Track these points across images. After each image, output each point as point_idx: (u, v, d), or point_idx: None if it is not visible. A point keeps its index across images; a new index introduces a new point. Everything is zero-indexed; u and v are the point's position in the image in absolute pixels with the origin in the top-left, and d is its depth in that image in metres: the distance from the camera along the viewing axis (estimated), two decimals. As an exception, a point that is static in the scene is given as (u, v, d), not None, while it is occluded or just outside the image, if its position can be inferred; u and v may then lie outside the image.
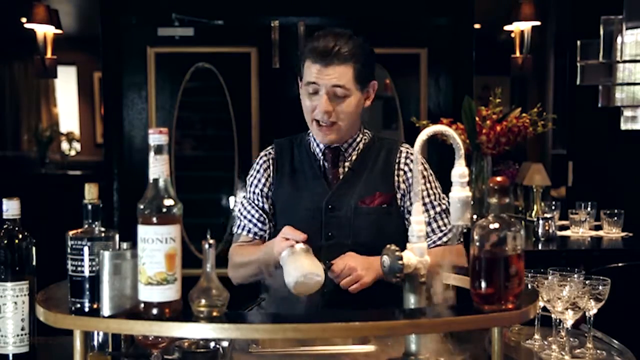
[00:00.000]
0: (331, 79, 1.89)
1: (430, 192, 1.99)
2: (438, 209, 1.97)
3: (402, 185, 1.99)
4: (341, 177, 1.99)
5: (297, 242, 1.75)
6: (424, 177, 1.99)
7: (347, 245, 1.90)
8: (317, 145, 2.02)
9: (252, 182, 2.06)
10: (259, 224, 2.02)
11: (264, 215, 2.02)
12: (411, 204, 1.93)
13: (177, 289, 1.23)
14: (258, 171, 2.06)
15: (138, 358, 1.55)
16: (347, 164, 2.01)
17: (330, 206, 1.95)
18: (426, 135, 1.40)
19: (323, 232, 1.95)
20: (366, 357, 1.59)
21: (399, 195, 1.98)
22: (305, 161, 2.02)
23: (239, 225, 2.06)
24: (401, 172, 1.99)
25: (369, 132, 2.07)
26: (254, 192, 2.05)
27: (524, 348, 1.69)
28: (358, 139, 2.03)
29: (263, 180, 2.04)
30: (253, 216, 2.03)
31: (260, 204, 2.03)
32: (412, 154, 2.00)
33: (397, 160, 2.00)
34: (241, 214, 2.06)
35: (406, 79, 4.42)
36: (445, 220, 1.96)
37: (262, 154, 2.09)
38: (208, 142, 4.58)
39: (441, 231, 1.95)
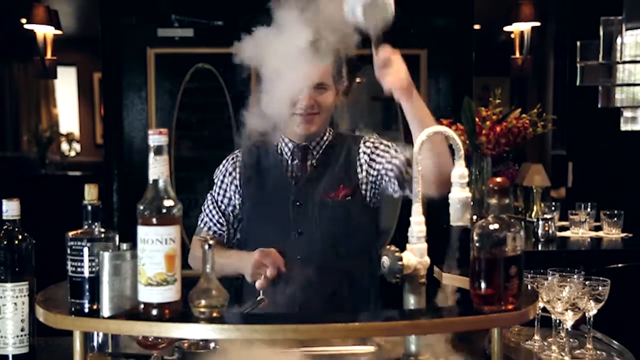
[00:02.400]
0: (315, 74, 1.96)
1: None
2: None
3: (363, 173, 2.04)
4: (308, 174, 2.05)
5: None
6: (391, 147, 2.04)
7: (316, 239, 1.96)
8: (286, 145, 2.08)
9: (217, 184, 2.14)
10: (218, 225, 2.12)
11: (224, 218, 2.11)
12: (381, 175, 2.00)
13: (177, 290, 1.23)
14: (224, 175, 2.13)
15: (138, 359, 1.55)
16: (313, 161, 2.07)
17: (297, 203, 2.01)
18: (426, 135, 1.40)
19: (292, 229, 2.00)
20: (366, 358, 1.59)
21: (363, 186, 2.04)
22: (271, 162, 2.08)
23: (202, 220, 2.15)
24: (363, 161, 2.05)
25: (333, 130, 2.14)
26: (218, 194, 2.13)
27: (524, 349, 1.69)
28: (325, 137, 2.09)
29: (226, 185, 2.11)
30: (214, 216, 2.13)
31: (223, 207, 2.12)
32: (368, 139, 2.08)
33: (358, 153, 2.06)
34: (206, 209, 2.15)
35: (406, 80, 4.41)
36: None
37: (229, 157, 2.16)
38: (208, 143, 4.57)
39: None
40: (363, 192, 2.04)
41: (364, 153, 2.06)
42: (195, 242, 2.13)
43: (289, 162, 2.07)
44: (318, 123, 2.02)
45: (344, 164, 2.05)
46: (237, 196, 2.10)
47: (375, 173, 2.03)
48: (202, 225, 2.15)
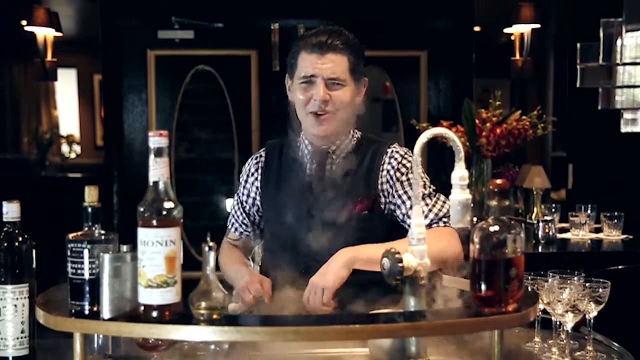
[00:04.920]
0: (327, 68, 1.89)
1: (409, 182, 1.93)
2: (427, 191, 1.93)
3: (385, 186, 1.94)
4: (326, 181, 1.96)
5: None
6: (411, 172, 1.93)
7: (325, 251, 1.86)
8: (306, 147, 2.00)
9: (242, 184, 2.11)
10: (244, 226, 2.12)
11: (248, 219, 2.11)
12: (395, 204, 1.91)
13: (177, 292, 1.22)
14: (248, 175, 2.10)
15: (138, 361, 1.55)
16: (334, 167, 1.97)
17: (312, 212, 1.93)
18: (426, 137, 1.39)
19: (305, 238, 1.93)
20: (363, 359, 1.59)
21: (382, 199, 1.94)
22: (292, 165, 2.00)
23: (230, 221, 2.15)
24: (384, 173, 1.95)
25: (360, 133, 2.04)
26: (242, 194, 2.10)
27: (524, 350, 1.69)
28: (347, 141, 1.99)
29: (249, 185, 2.09)
30: (239, 217, 2.12)
31: (247, 208, 2.10)
32: (397, 151, 1.97)
33: (381, 162, 1.96)
34: (232, 210, 2.14)
35: (406, 82, 4.42)
36: (428, 200, 1.91)
37: (253, 156, 2.11)
38: (208, 145, 4.58)
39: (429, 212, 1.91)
40: (382, 205, 1.94)
41: (390, 165, 1.95)
42: (225, 247, 2.13)
43: (309, 166, 1.99)
44: (333, 123, 1.92)
45: (365, 174, 1.95)
46: (259, 197, 2.07)
47: (390, 199, 1.94)
48: (229, 227, 2.14)
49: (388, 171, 1.95)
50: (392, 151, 1.98)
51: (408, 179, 1.93)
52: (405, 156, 1.97)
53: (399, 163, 1.95)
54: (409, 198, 1.89)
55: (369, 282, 1.77)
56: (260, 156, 2.09)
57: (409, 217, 1.89)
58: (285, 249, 1.96)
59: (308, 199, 1.95)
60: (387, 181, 1.95)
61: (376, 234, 1.86)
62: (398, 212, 1.93)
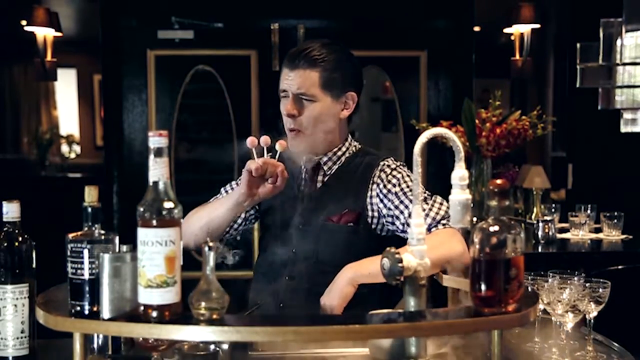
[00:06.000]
0: (295, 83, 1.89)
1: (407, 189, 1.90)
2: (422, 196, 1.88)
3: (374, 200, 1.92)
4: (314, 191, 1.96)
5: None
6: (404, 182, 1.91)
7: (312, 262, 1.87)
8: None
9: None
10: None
11: None
12: (392, 216, 1.88)
13: (177, 292, 1.22)
14: None
15: (138, 361, 1.55)
16: (326, 178, 1.97)
17: (299, 221, 1.93)
18: (426, 137, 1.39)
19: (290, 246, 1.93)
20: (363, 359, 1.59)
21: (369, 213, 1.92)
22: (291, 173, 1.98)
23: (216, 197, 2.05)
24: (374, 187, 1.93)
25: (357, 145, 2.03)
26: (236, 182, 2.05)
27: (524, 351, 1.69)
28: (340, 153, 1.98)
29: None
30: (228, 192, 2.03)
31: None
32: (388, 165, 1.95)
33: (372, 175, 1.94)
34: (222, 190, 2.06)
35: (406, 82, 4.42)
36: (424, 205, 1.86)
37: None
38: (208, 145, 4.58)
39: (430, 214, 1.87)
40: (369, 219, 1.93)
41: (379, 179, 1.92)
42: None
43: (303, 176, 1.99)
44: (304, 141, 1.92)
45: (356, 187, 1.93)
46: None
47: (384, 212, 1.91)
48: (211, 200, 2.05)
49: (377, 185, 1.93)
50: (384, 165, 1.96)
51: (402, 189, 1.90)
52: (396, 169, 1.95)
53: (387, 176, 1.93)
54: (407, 207, 1.87)
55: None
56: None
57: (408, 225, 1.87)
58: (275, 253, 1.95)
59: (296, 208, 1.95)
60: (377, 195, 1.92)
61: (360, 247, 1.86)
62: (397, 222, 1.89)
